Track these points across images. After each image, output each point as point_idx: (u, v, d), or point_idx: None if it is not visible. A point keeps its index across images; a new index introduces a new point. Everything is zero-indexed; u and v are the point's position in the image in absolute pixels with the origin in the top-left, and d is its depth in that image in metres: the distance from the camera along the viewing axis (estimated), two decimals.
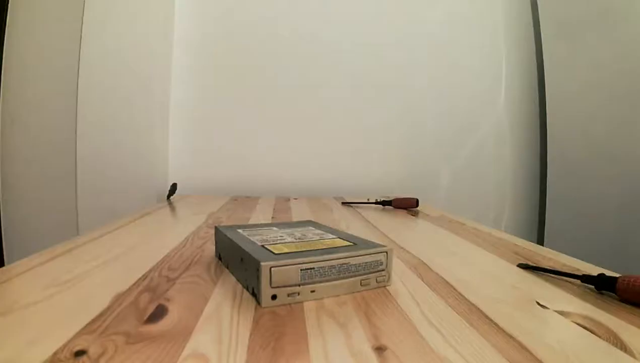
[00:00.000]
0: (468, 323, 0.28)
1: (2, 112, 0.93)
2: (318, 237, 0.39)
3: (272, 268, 0.30)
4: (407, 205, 0.87)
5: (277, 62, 1.11)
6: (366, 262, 0.34)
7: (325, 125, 1.14)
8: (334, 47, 1.13)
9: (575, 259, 0.46)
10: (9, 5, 0.92)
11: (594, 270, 0.41)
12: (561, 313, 0.30)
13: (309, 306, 0.31)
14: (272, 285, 0.30)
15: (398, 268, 0.42)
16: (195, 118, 1.09)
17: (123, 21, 0.94)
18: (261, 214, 0.75)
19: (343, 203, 0.92)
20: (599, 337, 0.26)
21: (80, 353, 0.22)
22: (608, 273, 0.36)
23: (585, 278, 0.36)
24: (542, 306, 0.32)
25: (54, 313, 0.28)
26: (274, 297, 0.30)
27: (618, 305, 0.32)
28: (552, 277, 0.39)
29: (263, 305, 0.30)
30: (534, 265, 0.42)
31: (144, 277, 0.36)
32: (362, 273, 0.34)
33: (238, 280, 0.36)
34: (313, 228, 0.44)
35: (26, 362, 0.21)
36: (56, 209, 0.95)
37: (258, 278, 0.30)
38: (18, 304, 0.29)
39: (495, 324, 0.28)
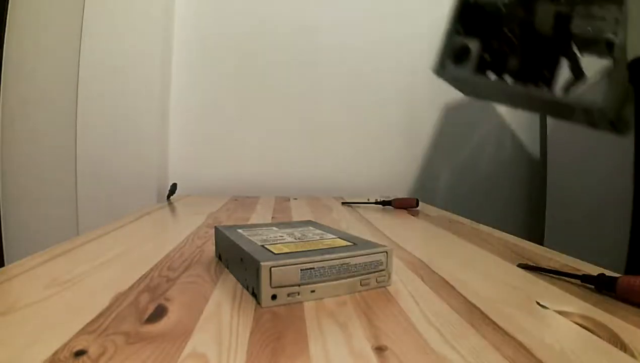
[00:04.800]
0: (468, 323, 0.28)
1: (2, 112, 0.94)
2: (318, 237, 0.39)
3: (272, 268, 0.30)
4: (407, 205, 0.87)
5: (277, 63, 1.11)
6: (366, 262, 0.34)
7: (325, 126, 1.14)
8: (334, 48, 1.13)
9: (575, 259, 0.46)
10: (9, 5, 0.92)
11: (594, 270, 0.41)
12: (561, 313, 0.30)
13: (309, 306, 0.31)
14: (272, 285, 0.30)
15: (398, 268, 0.42)
16: (195, 118, 1.09)
17: (123, 21, 0.94)
18: (261, 214, 0.75)
19: (343, 203, 0.92)
20: (599, 337, 0.26)
21: (80, 353, 0.22)
22: (608, 273, 0.36)
23: (585, 278, 0.36)
24: (542, 306, 0.32)
25: (54, 313, 0.28)
26: (274, 297, 0.30)
27: (618, 305, 0.32)
28: (552, 277, 0.39)
29: (263, 305, 0.30)
30: (534, 265, 0.42)
31: (144, 277, 0.36)
32: (362, 273, 0.34)
33: (238, 280, 0.36)
34: (313, 228, 0.44)
35: (26, 362, 0.21)
36: (56, 209, 0.95)
37: (258, 278, 0.30)
38: (18, 304, 0.29)
39: (495, 324, 0.28)
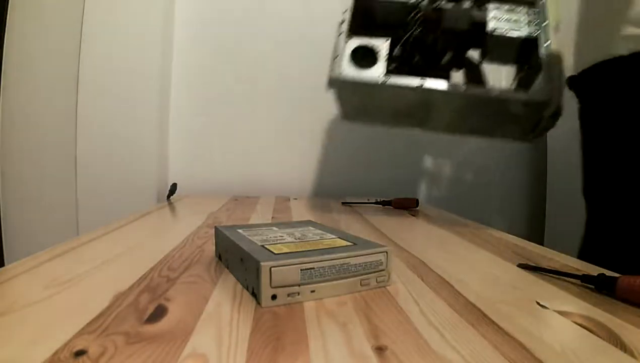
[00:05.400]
0: (468, 323, 0.28)
1: (2, 112, 0.93)
2: (318, 237, 0.39)
3: (272, 268, 0.30)
4: (407, 205, 0.87)
5: (277, 63, 1.11)
6: (366, 262, 0.34)
7: (325, 125, 1.14)
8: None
9: (575, 259, 0.46)
10: (9, 5, 0.92)
11: (594, 270, 0.41)
12: (561, 313, 0.30)
13: (309, 306, 0.31)
14: (272, 285, 0.30)
15: (398, 268, 0.42)
16: (195, 118, 1.09)
17: (123, 22, 0.94)
18: (261, 214, 0.75)
19: (343, 203, 0.92)
20: (599, 337, 0.26)
21: (80, 353, 0.22)
22: (608, 273, 0.36)
23: (585, 278, 0.36)
24: (542, 306, 0.32)
25: (54, 313, 0.28)
26: (274, 297, 0.30)
27: (618, 305, 0.32)
28: (552, 277, 0.39)
29: (263, 305, 0.30)
30: (534, 265, 0.42)
31: (144, 277, 0.36)
32: (362, 273, 0.34)
33: (238, 280, 0.36)
34: (313, 228, 0.44)
35: (26, 362, 0.21)
36: (56, 209, 0.95)
37: (258, 278, 0.30)
38: (18, 304, 0.29)
39: (495, 324, 0.28)
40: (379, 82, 0.60)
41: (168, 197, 0.92)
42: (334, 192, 1.12)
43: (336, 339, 0.25)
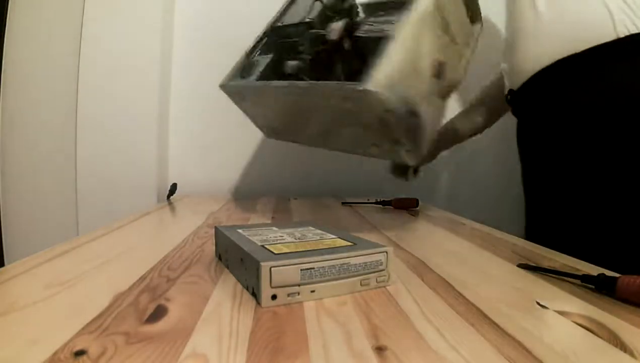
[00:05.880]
0: (468, 323, 0.28)
1: (2, 112, 0.94)
2: (318, 237, 0.39)
3: (272, 268, 0.30)
4: (407, 205, 0.87)
5: None
6: (366, 262, 0.34)
7: None
8: None
9: (575, 259, 0.46)
10: (9, 5, 0.92)
11: (594, 270, 0.41)
12: (561, 313, 0.30)
13: (309, 306, 0.31)
14: (272, 285, 0.30)
15: (398, 268, 0.42)
16: (195, 118, 1.09)
17: (123, 21, 0.94)
18: (261, 214, 0.75)
19: (343, 203, 0.92)
20: (599, 337, 0.26)
21: (80, 353, 0.22)
22: (608, 273, 0.36)
23: (585, 278, 0.36)
24: (542, 306, 0.32)
25: (54, 313, 0.28)
26: (274, 297, 0.30)
27: (618, 305, 0.32)
28: (552, 277, 0.39)
29: (263, 305, 0.30)
30: (534, 265, 0.42)
31: (144, 277, 0.36)
32: (362, 273, 0.34)
33: (238, 280, 0.36)
34: (313, 228, 0.44)
35: (26, 362, 0.21)
36: (56, 209, 0.95)
37: (258, 278, 0.30)
38: (18, 304, 0.29)
39: (495, 324, 0.28)
40: (251, 87, 0.67)
41: (168, 197, 0.92)
42: (334, 192, 1.12)
43: (336, 339, 0.25)
